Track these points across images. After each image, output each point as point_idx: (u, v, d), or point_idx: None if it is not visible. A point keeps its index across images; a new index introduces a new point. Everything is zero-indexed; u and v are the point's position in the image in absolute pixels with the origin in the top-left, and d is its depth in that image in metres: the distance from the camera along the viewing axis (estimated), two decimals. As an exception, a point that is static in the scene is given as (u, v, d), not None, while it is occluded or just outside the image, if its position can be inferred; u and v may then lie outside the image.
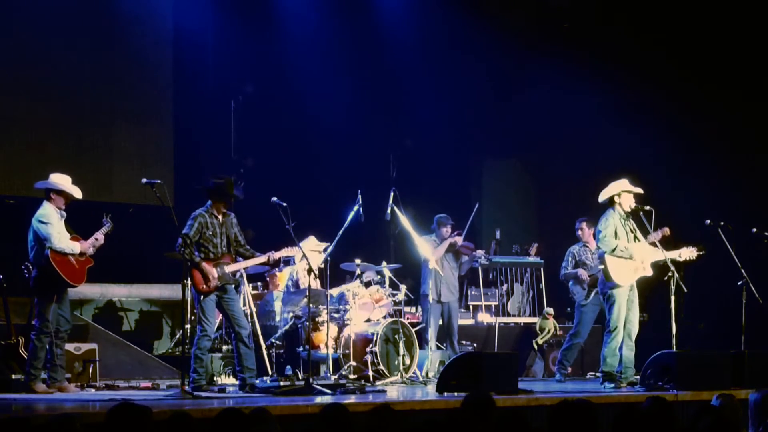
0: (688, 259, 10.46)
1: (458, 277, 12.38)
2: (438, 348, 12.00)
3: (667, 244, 10.58)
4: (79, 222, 9.94)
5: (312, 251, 11.18)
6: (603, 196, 10.48)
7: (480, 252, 12.62)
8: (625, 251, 10.25)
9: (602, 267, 10.45)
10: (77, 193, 9.73)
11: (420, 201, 13.36)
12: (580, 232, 11.98)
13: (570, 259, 11.92)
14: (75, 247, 9.60)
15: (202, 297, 9.57)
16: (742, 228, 10.99)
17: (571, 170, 15.44)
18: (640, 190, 10.45)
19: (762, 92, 13.99)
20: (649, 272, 10.34)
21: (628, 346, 10.35)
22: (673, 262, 10.34)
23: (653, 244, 10.52)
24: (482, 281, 14.07)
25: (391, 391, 10.08)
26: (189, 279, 9.48)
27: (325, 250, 11.49)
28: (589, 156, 14.85)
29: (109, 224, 9.86)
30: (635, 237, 10.39)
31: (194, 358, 9.56)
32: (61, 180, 9.73)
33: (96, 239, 9.77)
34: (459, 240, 12.11)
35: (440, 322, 12.02)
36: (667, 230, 10.78)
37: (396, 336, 11.22)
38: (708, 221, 10.69)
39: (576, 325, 11.81)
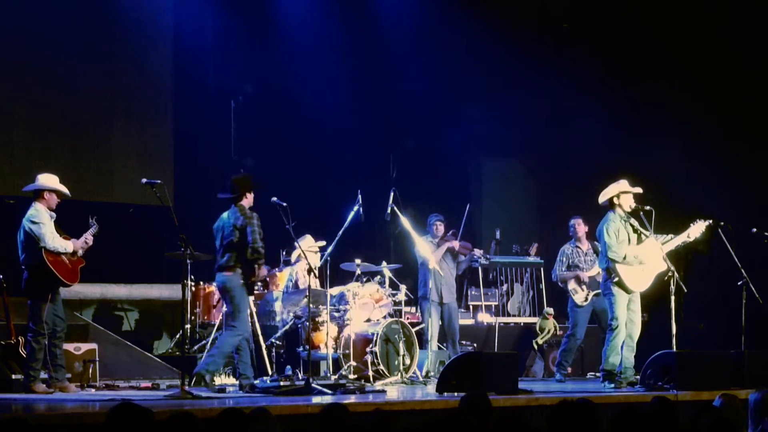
0: (699, 236, 10.45)
1: (456, 277, 12.39)
2: (439, 348, 12.01)
3: (673, 229, 10.56)
4: (78, 222, 9.94)
5: (309, 250, 11.21)
6: (602, 198, 10.49)
7: (478, 251, 12.60)
8: (635, 260, 10.25)
9: (606, 273, 10.44)
10: (67, 191, 9.78)
11: (420, 201, 13.35)
12: (573, 230, 11.95)
13: (564, 259, 11.93)
14: (68, 245, 9.61)
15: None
16: (742, 228, 10.98)
17: (571, 170, 15.44)
18: (639, 190, 10.45)
19: (762, 92, 13.98)
20: (663, 267, 10.31)
21: (629, 347, 10.35)
22: (687, 245, 10.37)
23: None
24: (482, 281, 14.07)
25: (391, 391, 10.08)
26: (250, 276, 9.64)
27: (323, 249, 11.50)
28: (589, 156, 14.84)
29: (96, 226, 9.86)
30: (639, 235, 10.37)
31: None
32: (49, 180, 9.74)
33: (86, 241, 9.77)
34: (456, 244, 12.11)
35: (440, 323, 12.02)
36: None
37: (396, 336, 11.23)
38: (709, 221, 10.68)
39: (571, 327, 11.81)
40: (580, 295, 11.73)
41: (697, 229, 10.46)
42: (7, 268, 10.23)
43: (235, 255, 9.69)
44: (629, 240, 10.35)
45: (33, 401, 8.76)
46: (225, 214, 9.88)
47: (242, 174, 10.28)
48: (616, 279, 10.28)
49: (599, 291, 11.10)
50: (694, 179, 14.05)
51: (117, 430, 4.78)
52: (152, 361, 12.10)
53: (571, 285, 11.79)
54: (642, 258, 10.27)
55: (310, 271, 9.77)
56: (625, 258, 10.24)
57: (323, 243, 11.62)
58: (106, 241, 10.28)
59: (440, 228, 12.14)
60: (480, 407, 5.66)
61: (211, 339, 11.56)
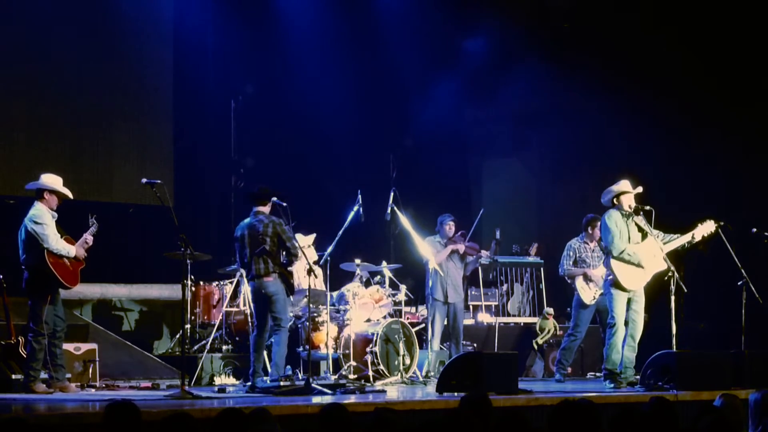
0: (705, 236, 10.42)
1: (463, 278, 12.37)
2: (440, 348, 11.99)
3: (672, 229, 10.55)
4: (78, 222, 9.93)
5: (302, 246, 11.21)
6: (604, 198, 10.48)
7: (485, 253, 12.57)
8: (633, 256, 10.21)
9: (607, 270, 10.44)
10: (70, 194, 9.75)
11: (420, 201, 13.34)
12: (590, 230, 11.68)
13: (571, 254, 11.73)
14: (71, 250, 9.59)
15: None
16: (742, 228, 10.98)
17: (572, 170, 15.44)
18: (639, 190, 10.43)
19: (763, 92, 13.98)
20: (662, 266, 10.28)
21: (630, 347, 10.33)
22: (690, 245, 10.35)
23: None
24: (482, 281, 14.05)
25: (391, 391, 10.08)
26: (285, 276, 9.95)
27: (322, 250, 11.50)
28: (590, 156, 14.84)
29: (96, 225, 9.85)
30: (645, 234, 10.35)
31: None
32: (53, 180, 9.71)
33: (86, 241, 9.76)
34: (461, 247, 12.07)
35: (445, 323, 12.01)
36: None
37: (396, 336, 11.22)
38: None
39: (573, 326, 11.74)
40: (587, 294, 11.54)
41: (705, 228, 10.40)
42: (7, 268, 10.23)
43: (272, 260, 9.93)
44: (630, 238, 10.33)
45: (33, 401, 8.75)
46: (250, 221, 10.02)
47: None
48: (611, 276, 10.28)
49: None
50: (694, 179, 14.06)
51: (109, 428, 4.82)
52: (152, 361, 12.09)
53: (579, 282, 11.57)
54: (639, 257, 10.24)
55: (310, 271, 9.77)
56: (622, 252, 10.20)
57: (314, 235, 11.66)
58: (106, 241, 10.27)
59: (452, 228, 12.11)
60: (480, 407, 5.66)
61: (210, 339, 11.56)
